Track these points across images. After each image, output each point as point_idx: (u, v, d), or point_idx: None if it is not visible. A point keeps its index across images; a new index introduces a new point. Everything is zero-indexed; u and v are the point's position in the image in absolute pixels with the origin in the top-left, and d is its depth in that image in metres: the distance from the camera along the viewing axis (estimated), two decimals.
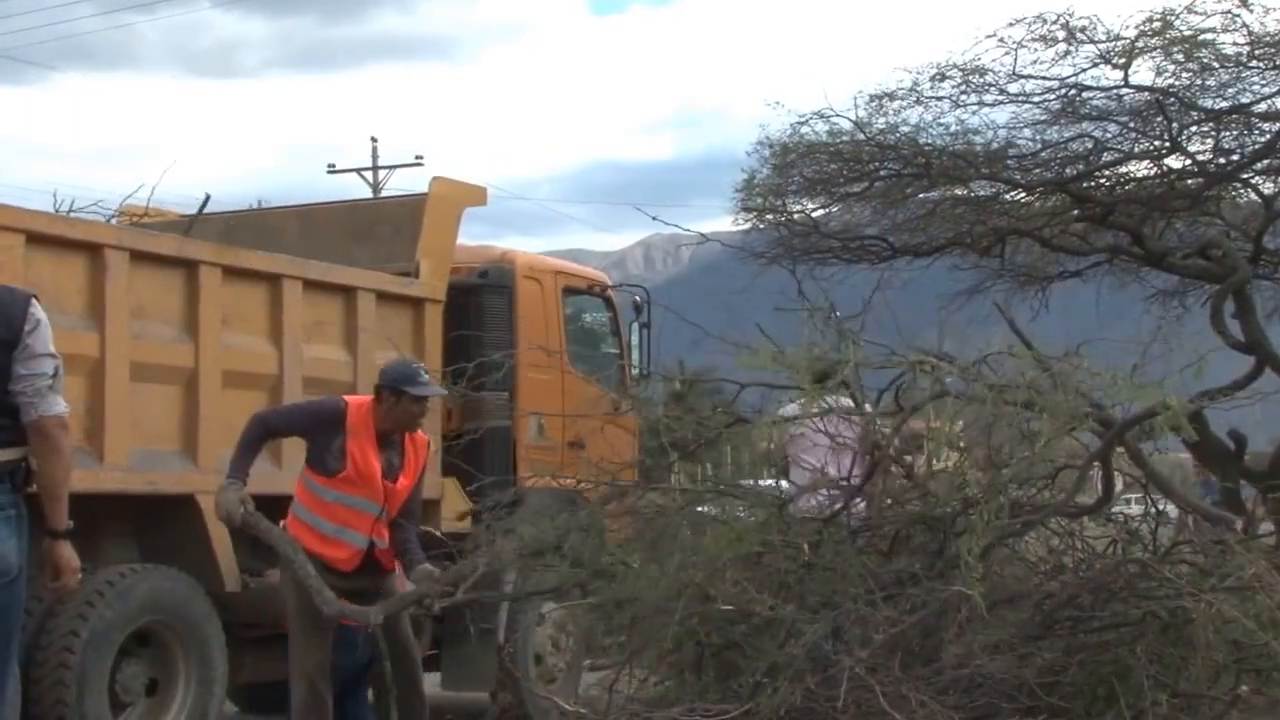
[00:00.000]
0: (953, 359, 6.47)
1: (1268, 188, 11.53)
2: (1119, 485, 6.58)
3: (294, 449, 8.03)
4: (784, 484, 7.57)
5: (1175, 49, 10.35)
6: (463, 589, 6.91)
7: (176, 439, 8.16)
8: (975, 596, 5.56)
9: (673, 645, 6.49)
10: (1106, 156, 11.32)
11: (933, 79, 10.86)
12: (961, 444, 6.73)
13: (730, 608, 6.26)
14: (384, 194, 34.34)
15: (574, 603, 7.68)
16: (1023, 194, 11.66)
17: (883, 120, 11.08)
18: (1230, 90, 10.77)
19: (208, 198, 9.40)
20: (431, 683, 9.91)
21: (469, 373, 7.96)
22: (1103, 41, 10.45)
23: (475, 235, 10.85)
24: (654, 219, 9.11)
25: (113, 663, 7.70)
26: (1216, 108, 10.81)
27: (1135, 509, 7.43)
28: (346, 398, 7.42)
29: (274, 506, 7.42)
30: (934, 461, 6.95)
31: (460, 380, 7.92)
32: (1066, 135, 11.25)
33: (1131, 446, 6.48)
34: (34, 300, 5.16)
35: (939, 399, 6.51)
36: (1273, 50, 10.36)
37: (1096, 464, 6.18)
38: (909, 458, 6.98)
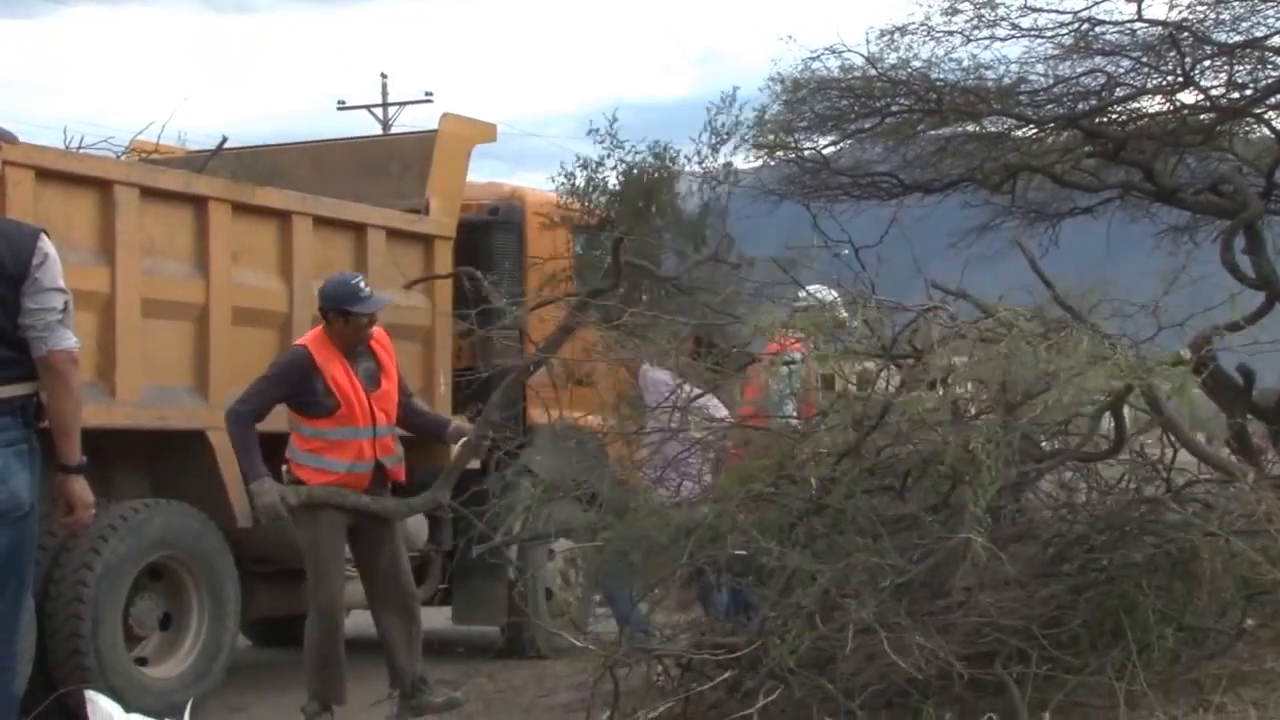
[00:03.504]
0: (968, 294, 6.45)
1: None
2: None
3: None
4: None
5: None
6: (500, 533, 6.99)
7: (188, 375, 8.19)
8: (980, 544, 5.57)
9: (681, 583, 6.52)
10: (1119, 92, 11.25)
11: (945, 13, 10.78)
12: (971, 385, 6.70)
13: (742, 552, 6.29)
14: (394, 131, 34.17)
15: (584, 544, 7.69)
16: (1034, 130, 11.60)
17: (894, 56, 11.00)
18: (1244, 24, 10.70)
19: (224, 139, 9.37)
20: (443, 617, 9.98)
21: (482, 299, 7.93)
22: None
23: (490, 172, 10.83)
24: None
25: (127, 596, 7.76)
26: (1230, 42, 10.74)
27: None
28: (300, 341, 7.39)
29: None
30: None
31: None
32: (1079, 70, 11.16)
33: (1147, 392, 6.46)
34: (43, 235, 5.17)
35: (952, 339, 6.48)
36: None
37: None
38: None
